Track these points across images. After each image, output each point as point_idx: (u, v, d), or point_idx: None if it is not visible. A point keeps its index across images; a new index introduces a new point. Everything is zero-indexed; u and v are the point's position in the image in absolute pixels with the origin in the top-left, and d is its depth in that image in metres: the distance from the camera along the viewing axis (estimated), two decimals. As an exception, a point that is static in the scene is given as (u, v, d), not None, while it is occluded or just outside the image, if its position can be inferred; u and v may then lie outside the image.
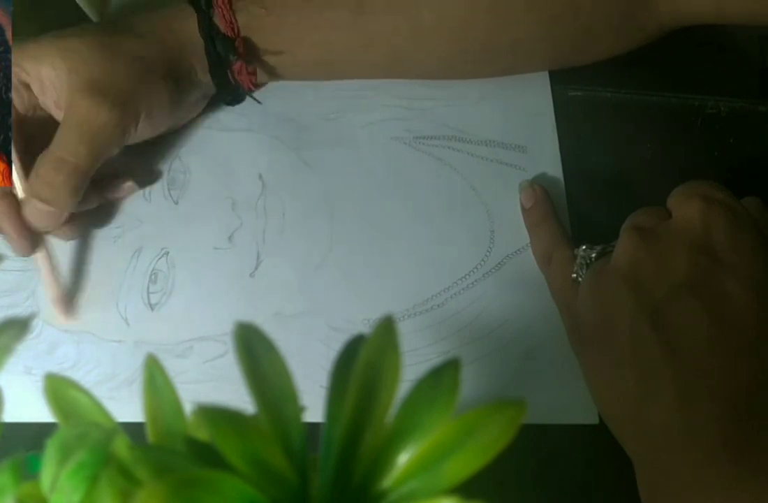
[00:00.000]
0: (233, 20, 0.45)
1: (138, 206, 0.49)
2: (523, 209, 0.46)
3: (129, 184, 0.48)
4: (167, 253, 0.47)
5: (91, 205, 0.46)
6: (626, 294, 0.37)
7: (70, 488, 0.17)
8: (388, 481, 0.17)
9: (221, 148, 0.50)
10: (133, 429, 0.20)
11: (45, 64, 0.42)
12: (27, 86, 0.43)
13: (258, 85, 0.49)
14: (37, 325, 0.45)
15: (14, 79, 0.42)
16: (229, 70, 0.46)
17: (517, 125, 0.49)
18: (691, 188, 0.39)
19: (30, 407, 0.41)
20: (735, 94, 0.49)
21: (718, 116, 0.49)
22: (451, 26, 0.46)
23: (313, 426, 0.19)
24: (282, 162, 0.50)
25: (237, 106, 0.52)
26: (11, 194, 0.43)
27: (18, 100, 0.43)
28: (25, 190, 0.42)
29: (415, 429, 0.17)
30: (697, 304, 0.35)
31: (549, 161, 0.48)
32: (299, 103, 0.52)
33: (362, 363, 0.17)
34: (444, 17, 0.45)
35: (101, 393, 0.43)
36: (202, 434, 0.18)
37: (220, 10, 0.45)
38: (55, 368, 0.44)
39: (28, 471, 0.19)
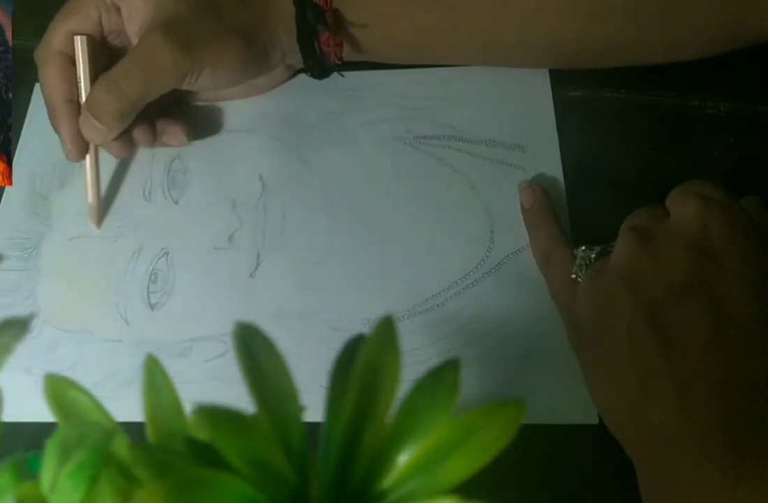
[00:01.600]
0: None
1: (138, 206, 0.49)
2: (523, 209, 0.46)
3: (182, 136, 0.49)
4: (167, 253, 0.47)
5: (145, 140, 0.48)
6: (625, 294, 0.37)
7: (70, 488, 0.17)
8: (388, 481, 0.17)
9: (221, 148, 0.50)
10: (133, 429, 0.20)
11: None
12: (117, 10, 0.45)
13: (343, 61, 0.48)
14: (36, 325, 0.45)
15: (108, 1, 0.45)
16: (317, 40, 0.46)
17: (517, 125, 0.49)
18: (689, 188, 0.39)
19: (30, 407, 0.41)
20: (735, 94, 0.49)
21: (718, 116, 0.49)
22: (549, 16, 0.46)
23: (313, 426, 0.19)
24: (282, 162, 0.50)
25: (237, 107, 0.52)
26: (76, 102, 0.45)
27: (106, 21, 0.46)
28: (84, 102, 0.45)
29: (415, 429, 0.17)
30: (696, 304, 0.35)
31: (549, 161, 0.48)
32: (299, 103, 0.52)
33: (362, 363, 0.17)
34: (542, 7, 0.45)
35: (101, 393, 0.42)
36: (202, 434, 0.18)
37: None
38: (54, 367, 0.44)
39: (28, 471, 0.19)
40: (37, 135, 0.53)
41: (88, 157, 0.47)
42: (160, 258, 0.47)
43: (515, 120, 0.50)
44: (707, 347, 0.34)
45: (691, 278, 0.36)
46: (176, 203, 0.49)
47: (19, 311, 0.46)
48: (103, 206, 0.49)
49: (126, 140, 0.48)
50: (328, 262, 0.46)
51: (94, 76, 0.45)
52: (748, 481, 0.31)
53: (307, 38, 0.47)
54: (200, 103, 0.52)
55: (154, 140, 0.49)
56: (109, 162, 0.51)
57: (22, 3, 0.55)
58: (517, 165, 0.48)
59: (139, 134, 0.48)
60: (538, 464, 0.39)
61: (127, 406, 0.37)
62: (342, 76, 0.49)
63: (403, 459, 0.17)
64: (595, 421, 0.40)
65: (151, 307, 0.45)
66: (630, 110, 0.50)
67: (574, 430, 0.40)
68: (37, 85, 0.55)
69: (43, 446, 0.18)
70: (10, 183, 0.50)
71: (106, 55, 0.47)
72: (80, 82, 0.45)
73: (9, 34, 0.51)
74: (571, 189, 0.47)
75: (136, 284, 0.46)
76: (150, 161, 0.50)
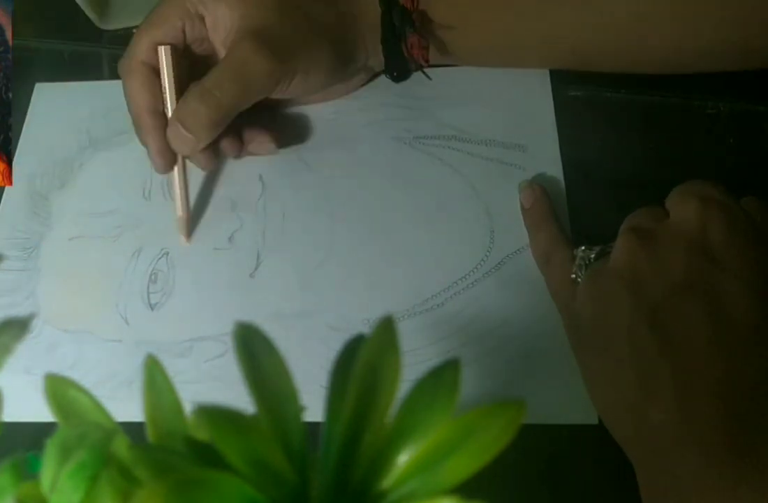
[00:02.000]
0: None
1: (138, 206, 0.49)
2: (523, 209, 0.46)
3: (271, 144, 0.48)
4: (167, 253, 0.47)
5: (232, 150, 0.48)
6: (625, 295, 0.37)
7: (70, 488, 0.17)
8: (388, 481, 0.17)
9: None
10: (133, 429, 0.20)
11: (223, 4, 0.44)
12: (201, 19, 0.45)
13: (429, 64, 0.47)
14: (36, 325, 0.45)
15: (191, 9, 0.44)
16: (403, 43, 0.46)
17: (517, 125, 0.49)
18: (688, 188, 0.39)
19: (30, 407, 0.41)
20: (735, 94, 0.49)
21: (718, 116, 0.49)
22: (643, 25, 0.45)
23: (313, 426, 0.19)
24: (282, 163, 0.50)
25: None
26: (161, 113, 0.45)
27: (189, 30, 0.45)
28: (173, 112, 0.44)
29: (415, 429, 0.17)
30: (695, 304, 0.35)
31: (549, 161, 0.48)
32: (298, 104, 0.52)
33: (362, 363, 0.17)
34: (635, 16, 0.45)
35: (101, 393, 0.42)
36: (202, 434, 0.18)
37: None
38: (54, 367, 0.44)
39: (28, 471, 0.19)
40: (37, 135, 0.53)
41: (176, 169, 0.46)
42: (160, 258, 0.47)
43: (515, 120, 0.50)
44: (707, 348, 0.34)
45: (691, 278, 0.36)
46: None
47: (19, 311, 0.46)
48: (102, 205, 0.49)
49: (213, 151, 0.47)
50: (328, 262, 0.46)
51: (178, 87, 0.44)
52: (748, 481, 0.31)
53: (392, 40, 0.46)
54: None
55: (242, 149, 0.48)
56: (108, 162, 0.51)
57: (22, 3, 0.55)
58: (517, 165, 0.48)
59: (226, 144, 0.47)
60: (538, 464, 0.39)
61: (127, 406, 0.37)
62: (429, 78, 0.47)
63: (403, 459, 0.17)
64: (595, 421, 0.40)
65: (151, 307, 0.45)
66: (630, 110, 0.50)
67: (574, 430, 0.40)
68: (37, 85, 0.55)
69: (43, 446, 0.18)
70: (10, 183, 0.50)
71: (188, 64, 0.46)
72: (165, 93, 0.44)
73: (9, 34, 0.51)
74: (571, 189, 0.47)
75: (136, 285, 0.46)
76: (149, 161, 0.50)
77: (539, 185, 0.46)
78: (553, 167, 0.48)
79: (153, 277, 0.46)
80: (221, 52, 0.45)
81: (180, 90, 0.45)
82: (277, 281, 0.45)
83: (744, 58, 0.46)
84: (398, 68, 0.48)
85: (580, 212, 0.46)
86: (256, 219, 0.48)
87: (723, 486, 0.31)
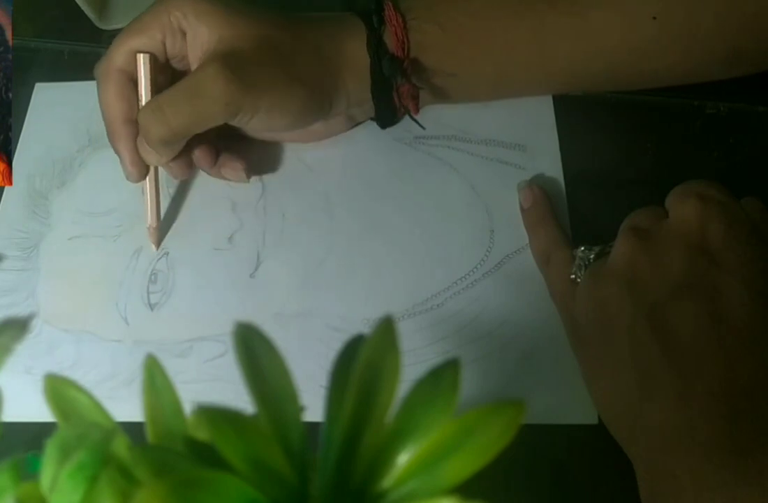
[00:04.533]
0: (405, 40, 0.43)
1: (138, 205, 0.49)
2: (522, 210, 0.46)
3: (242, 172, 0.47)
4: (167, 253, 0.47)
5: (206, 165, 0.47)
6: (624, 295, 0.37)
7: (70, 488, 0.17)
8: (388, 481, 0.17)
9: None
10: (133, 429, 0.20)
11: (204, 23, 0.42)
12: (183, 34, 0.43)
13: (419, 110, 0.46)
14: (36, 325, 0.45)
15: (173, 22, 0.43)
16: (395, 92, 0.44)
17: (517, 125, 0.49)
18: (688, 187, 0.39)
19: (30, 406, 0.41)
20: (735, 94, 0.49)
21: (718, 116, 0.49)
22: (636, 51, 0.45)
23: (313, 426, 0.19)
24: (282, 163, 0.50)
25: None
26: (134, 123, 0.43)
27: (170, 43, 0.43)
28: None
29: (415, 429, 0.17)
30: (695, 304, 0.35)
31: (549, 161, 0.48)
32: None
33: (362, 363, 0.17)
34: (629, 42, 0.44)
35: (101, 393, 0.42)
36: (202, 434, 0.18)
37: (393, 28, 0.43)
38: (54, 367, 0.44)
39: (28, 471, 0.19)
40: (37, 135, 0.53)
41: (147, 179, 0.46)
42: (160, 258, 0.47)
43: (515, 120, 0.50)
44: (707, 347, 0.34)
45: (691, 278, 0.36)
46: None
47: (19, 311, 0.46)
48: (102, 204, 0.49)
49: (185, 162, 0.46)
50: (328, 262, 0.46)
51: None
52: (747, 481, 0.31)
53: (382, 90, 0.44)
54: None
55: (214, 165, 0.47)
56: (108, 161, 0.51)
57: (22, 3, 0.55)
58: (517, 165, 0.48)
59: (199, 157, 0.46)
60: (537, 464, 0.39)
61: (127, 406, 0.37)
62: (423, 128, 0.47)
63: (403, 459, 0.17)
64: (595, 421, 0.40)
65: (151, 307, 0.45)
66: (630, 110, 0.50)
67: (574, 430, 0.40)
68: (37, 85, 0.55)
69: (43, 446, 0.18)
70: (10, 183, 0.50)
71: (168, 79, 0.45)
72: (141, 101, 0.43)
73: (9, 34, 0.51)
74: (571, 189, 0.47)
75: (136, 284, 0.46)
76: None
77: (538, 186, 0.46)
78: (553, 167, 0.48)
79: (153, 277, 0.46)
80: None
81: None
82: (277, 281, 0.45)
83: (733, 67, 0.47)
84: (387, 118, 0.48)
85: (580, 212, 0.46)
86: (256, 219, 0.48)
87: (723, 485, 0.31)
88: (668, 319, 0.35)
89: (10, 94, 0.47)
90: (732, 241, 0.36)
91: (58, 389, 0.20)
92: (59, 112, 0.54)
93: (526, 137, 0.49)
